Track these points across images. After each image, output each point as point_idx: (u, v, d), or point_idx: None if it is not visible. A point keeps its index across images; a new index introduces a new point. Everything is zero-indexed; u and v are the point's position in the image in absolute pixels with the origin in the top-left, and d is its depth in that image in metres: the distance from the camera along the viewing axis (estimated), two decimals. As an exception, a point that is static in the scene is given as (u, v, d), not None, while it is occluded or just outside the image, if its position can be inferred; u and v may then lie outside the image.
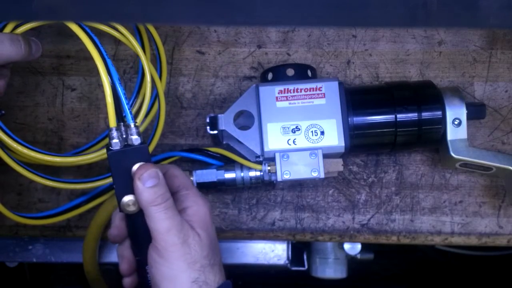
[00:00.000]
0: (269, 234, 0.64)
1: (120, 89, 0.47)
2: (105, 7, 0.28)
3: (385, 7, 0.29)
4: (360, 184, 0.65)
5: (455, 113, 0.58)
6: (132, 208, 0.48)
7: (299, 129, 0.57)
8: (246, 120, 0.60)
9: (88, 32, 0.49)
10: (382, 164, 0.65)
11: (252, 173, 0.60)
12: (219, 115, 0.58)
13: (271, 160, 0.57)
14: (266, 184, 0.64)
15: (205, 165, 0.62)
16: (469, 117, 0.59)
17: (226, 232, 0.64)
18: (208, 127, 0.58)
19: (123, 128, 0.48)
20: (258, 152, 0.58)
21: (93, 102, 0.66)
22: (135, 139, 0.47)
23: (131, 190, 0.47)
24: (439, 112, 0.58)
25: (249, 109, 0.58)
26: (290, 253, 0.70)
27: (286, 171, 0.56)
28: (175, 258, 0.46)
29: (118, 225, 0.52)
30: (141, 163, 0.47)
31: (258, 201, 0.64)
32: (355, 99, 0.59)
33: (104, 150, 0.57)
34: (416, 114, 0.58)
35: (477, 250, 0.90)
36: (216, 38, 0.68)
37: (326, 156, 0.57)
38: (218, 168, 0.61)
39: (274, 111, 0.57)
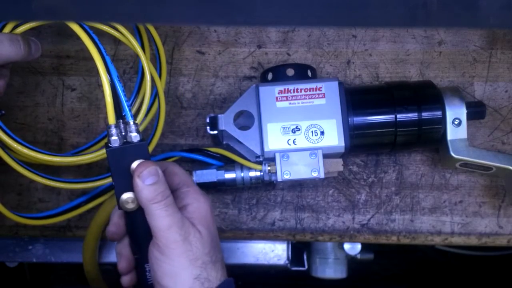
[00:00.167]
0: (269, 234, 0.64)
1: (119, 86, 0.47)
2: (105, 7, 0.28)
3: (385, 7, 0.29)
4: (360, 184, 0.65)
5: (455, 113, 0.58)
6: (131, 206, 0.48)
7: (299, 129, 0.57)
8: (246, 120, 0.60)
9: (88, 30, 0.49)
10: (382, 164, 0.65)
11: (252, 173, 0.60)
12: (219, 115, 0.58)
13: (271, 160, 0.57)
14: (266, 184, 0.64)
15: (205, 165, 0.62)
16: (469, 117, 0.59)
17: (226, 232, 0.64)
18: (208, 127, 0.58)
19: (122, 126, 0.48)
20: (258, 152, 0.58)
21: (93, 102, 0.66)
22: (134, 136, 0.47)
23: (130, 187, 0.47)
24: (439, 112, 0.58)
25: (249, 109, 0.58)
26: (290, 253, 0.70)
27: (286, 171, 0.56)
28: (177, 255, 0.46)
29: (116, 223, 0.52)
30: (141, 160, 0.47)
31: (258, 201, 0.64)
32: (355, 99, 0.59)
33: (104, 150, 0.57)
34: (416, 114, 0.58)
35: (477, 250, 0.90)
36: (216, 38, 0.68)
37: (326, 156, 0.57)
38: (218, 168, 0.61)
39: (274, 111, 0.57)
